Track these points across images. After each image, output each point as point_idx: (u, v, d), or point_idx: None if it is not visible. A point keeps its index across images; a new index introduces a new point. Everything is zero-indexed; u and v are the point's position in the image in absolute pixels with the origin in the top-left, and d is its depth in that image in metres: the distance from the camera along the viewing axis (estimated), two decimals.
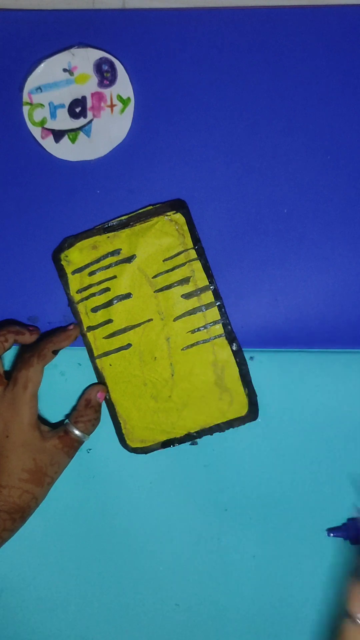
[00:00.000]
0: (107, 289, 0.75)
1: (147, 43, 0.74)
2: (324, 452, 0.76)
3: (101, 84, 0.74)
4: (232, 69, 0.74)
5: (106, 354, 0.75)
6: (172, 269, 0.74)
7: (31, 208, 0.75)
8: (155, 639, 0.77)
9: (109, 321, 0.75)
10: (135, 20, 0.74)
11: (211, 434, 0.76)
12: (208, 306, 0.75)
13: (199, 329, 0.75)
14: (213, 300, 0.75)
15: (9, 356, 0.76)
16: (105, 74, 0.74)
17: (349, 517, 0.76)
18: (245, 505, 0.77)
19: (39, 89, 0.74)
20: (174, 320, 0.75)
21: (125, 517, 0.77)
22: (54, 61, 0.73)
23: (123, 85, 0.74)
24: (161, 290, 0.75)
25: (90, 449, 0.77)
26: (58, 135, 0.74)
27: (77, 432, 0.73)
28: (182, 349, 0.75)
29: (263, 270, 0.75)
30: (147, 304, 0.75)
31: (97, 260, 0.75)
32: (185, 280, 0.74)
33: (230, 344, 0.75)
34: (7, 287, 0.76)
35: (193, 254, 0.74)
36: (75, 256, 0.75)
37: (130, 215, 0.74)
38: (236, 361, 0.75)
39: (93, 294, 0.75)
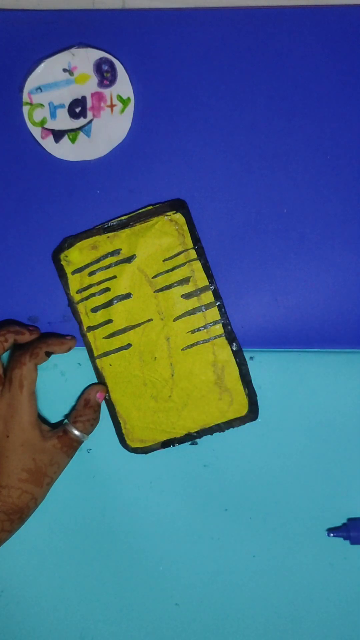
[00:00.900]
0: (107, 289, 0.75)
1: (147, 43, 0.74)
2: (324, 452, 0.76)
3: (101, 84, 0.74)
4: (232, 69, 0.74)
5: (106, 354, 0.75)
6: (172, 269, 0.74)
7: (31, 208, 0.75)
8: (155, 638, 0.77)
9: (109, 321, 0.75)
10: (135, 20, 0.74)
11: (211, 434, 0.76)
12: (208, 306, 0.75)
13: (199, 329, 0.75)
14: (213, 300, 0.75)
15: (8, 356, 0.76)
16: (105, 74, 0.74)
17: (349, 517, 0.76)
18: (245, 505, 0.77)
19: (39, 89, 0.74)
20: (174, 320, 0.75)
21: (125, 517, 0.77)
22: (54, 61, 0.73)
23: (123, 85, 0.74)
24: (161, 290, 0.75)
25: (90, 449, 0.77)
26: (58, 135, 0.74)
27: (76, 432, 0.73)
28: (182, 349, 0.75)
29: (263, 270, 0.75)
30: (147, 304, 0.75)
31: (97, 260, 0.75)
32: (185, 280, 0.74)
33: (230, 344, 0.75)
34: (7, 287, 0.76)
35: (193, 254, 0.74)
36: (75, 256, 0.75)
37: (130, 215, 0.74)
38: (236, 361, 0.75)
39: (93, 294, 0.75)
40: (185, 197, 0.75)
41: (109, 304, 0.75)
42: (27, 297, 0.76)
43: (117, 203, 0.75)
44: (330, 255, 0.75)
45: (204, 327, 0.75)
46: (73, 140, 0.74)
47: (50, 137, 0.74)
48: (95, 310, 0.75)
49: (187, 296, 0.75)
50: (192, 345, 0.75)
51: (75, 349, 0.75)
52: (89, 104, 0.74)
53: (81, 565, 0.76)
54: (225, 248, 0.75)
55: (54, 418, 0.77)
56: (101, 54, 0.73)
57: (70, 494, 0.76)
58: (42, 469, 0.72)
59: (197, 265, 0.74)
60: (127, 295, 0.75)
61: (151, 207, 0.74)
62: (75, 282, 0.75)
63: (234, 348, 0.75)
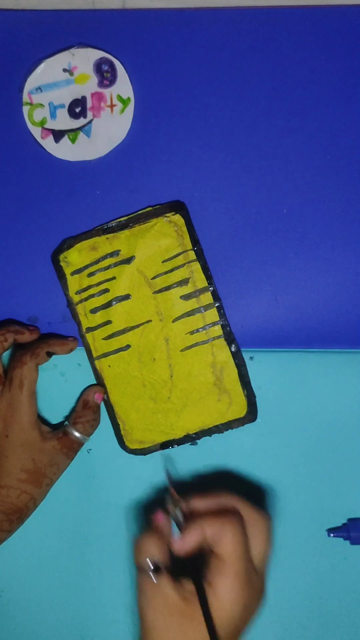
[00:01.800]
0: (106, 290, 0.75)
1: (147, 43, 0.74)
2: (323, 452, 0.76)
3: (101, 84, 0.74)
4: (232, 69, 0.74)
5: (105, 355, 0.75)
6: (171, 270, 0.74)
7: (31, 208, 0.75)
8: None
9: (108, 322, 0.75)
10: (135, 20, 0.74)
11: (210, 435, 0.76)
12: (207, 307, 0.75)
13: (197, 330, 0.75)
14: (212, 301, 0.75)
15: (8, 356, 0.76)
16: (105, 74, 0.73)
17: (349, 517, 0.76)
18: None
19: (39, 89, 0.74)
20: (173, 321, 0.75)
21: (125, 517, 0.77)
22: (54, 61, 0.73)
23: (123, 85, 0.74)
24: (160, 291, 0.75)
25: (90, 450, 0.77)
26: (58, 135, 0.74)
27: (76, 433, 0.73)
28: (181, 350, 0.75)
29: (263, 270, 0.75)
30: (146, 305, 0.75)
31: (96, 262, 0.75)
32: (184, 282, 0.74)
33: (229, 345, 0.75)
34: (7, 287, 0.76)
35: (192, 255, 0.74)
36: (74, 257, 0.75)
37: (129, 216, 0.74)
38: (235, 362, 0.75)
39: (92, 295, 0.75)
40: (184, 198, 0.75)
41: (108, 305, 0.75)
42: (27, 297, 0.76)
43: (117, 203, 0.75)
44: (330, 255, 0.75)
45: (203, 328, 0.75)
46: (73, 140, 0.74)
47: (50, 137, 0.74)
48: (94, 311, 0.75)
49: (186, 297, 0.75)
50: (191, 346, 0.75)
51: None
52: (89, 104, 0.74)
53: (81, 565, 0.76)
54: (224, 249, 0.75)
55: (53, 418, 0.77)
56: (101, 54, 0.73)
57: (70, 494, 0.76)
58: (42, 469, 0.72)
59: (196, 266, 0.74)
60: (126, 297, 0.75)
61: (150, 208, 0.74)
62: (74, 283, 0.75)
63: (233, 349, 0.75)
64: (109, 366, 0.75)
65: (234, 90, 0.74)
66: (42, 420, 0.76)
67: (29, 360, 0.71)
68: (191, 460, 0.76)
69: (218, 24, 0.74)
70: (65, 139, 0.74)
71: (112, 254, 0.75)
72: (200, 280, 0.74)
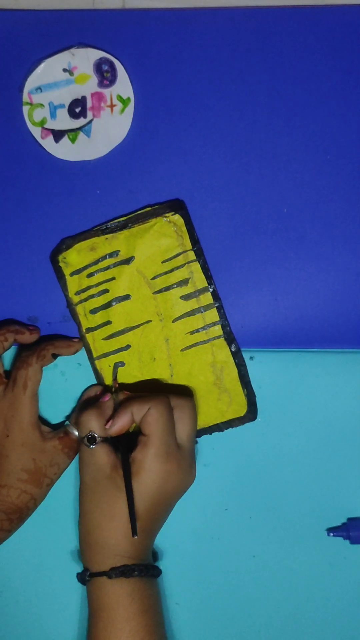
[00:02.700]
0: (106, 291, 0.75)
1: (147, 43, 0.74)
2: (323, 452, 0.76)
3: (101, 84, 0.74)
4: (232, 69, 0.74)
5: (105, 355, 0.75)
6: (171, 271, 0.74)
7: (31, 208, 0.75)
8: None
9: (108, 323, 0.75)
10: (135, 20, 0.74)
11: (210, 434, 0.76)
12: (207, 307, 0.75)
13: (197, 330, 0.75)
14: (212, 301, 0.75)
15: (9, 356, 0.76)
16: (105, 74, 0.74)
17: (349, 517, 0.76)
18: (245, 505, 0.77)
19: (39, 89, 0.74)
20: (173, 321, 0.75)
21: None
22: (54, 61, 0.73)
23: (123, 85, 0.74)
24: (160, 291, 0.75)
25: None
26: (58, 135, 0.74)
27: (75, 431, 0.73)
28: (181, 350, 0.75)
29: (263, 270, 0.75)
30: (146, 305, 0.75)
31: (96, 262, 0.75)
32: (184, 282, 0.74)
33: (229, 345, 0.75)
34: (7, 287, 0.76)
35: (192, 255, 0.74)
36: (74, 258, 0.75)
37: (128, 216, 0.74)
38: (235, 362, 0.75)
39: (92, 296, 0.75)
40: (184, 197, 0.75)
41: (107, 305, 0.75)
42: (27, 297, 0.76)
43: (117, 203, 0.75)
44: (330, 255, 0.75)
45: (203, 328, 0.75)
46: (73, 140, 0.74)
47: (50, 137, 0.74)
48: (94, 311, 0.75)
49: (186, 297, 0.75)
50: (191, 346, 0.75)
51: None
52: (88, 104, 0.74)
53: (81, 565, 0.76)
54: (224, 248, 0.75)
55: (54, 418, 0.77)
56: (101, 54, 0.73)
57: (70, 494, 0.76)
58: (42, 469, 0.72)
59: (196, 266, 0.74)
60: (126, 297, 0.75)
61: (149, 208, 0.74)
62: (73, 284, 0.75)
63: (233, 349, 0.75)
64: (109, 366, 0.75)
65: (234, 90, 0.74)
66: (42, 420, 0.76)
67: (34, 362, 0.71)
68: None
69: (218, 24, 0.74)
70: (65, 139, 0.74)
71: (111, 255, 0.75)
72: (200, 281, 0.74)
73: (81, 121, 0.74)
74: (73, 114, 0.74)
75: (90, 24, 0.74)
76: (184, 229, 0.74)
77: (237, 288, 0.75)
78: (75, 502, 0.74)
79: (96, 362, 0.76)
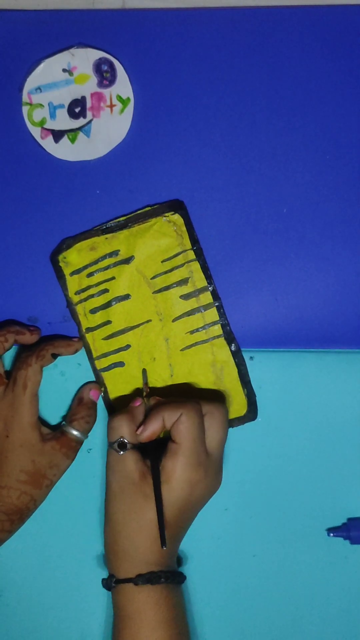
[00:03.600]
0: (106, 290, 0.75)
1: (147, 43, 0.74)
2: (323, 452, 0.76)
3: (101, 84, 0.74)
4: (232, 69, 0.74)
5: (105, 355, 0.75)
6: (171, 270, 0.75)
7: (30, 208, 0.75)
8: None
9: (108, 322, 0.75)
10: (135, 20, 0.74)
11: None
12: (207, 307, 0.75)
13: (197, 330, 0.75)
14: (212, 301, 0.75)
15: (10, 356, 0.76)
16: (104, 74, 0.74)
17: (349, 517, 0.76)
18: (245, 505, 0.77)
19: (39, 89, 0.74)
20: (173, 321, 0.75)
21: None
22: (54, 61, 0.73)
23: (122, 85, 0.74)
24: (160, 291, 0.75)
25: (90, 449, 0.77)
26: (57, 135, 0.74)
27: (73, 431, 0.73)
28: (181, 350, 0.75)
29: (263, 270, 0.75)
30: (146, 305, 0.75)
31: (96, 262, 0.75)
32: (183, 281, 0.74)
33: (229, 344, 0.75)
34: (7, 287, 0.76)
35: (191, 254, 0.74)
36: (74, 258, 0.75)
37: (128, 216, 0.74)
38: (235, 362, 0.75)
39: (92, 296, 0.75)
40: (184, 197, 0.75)
41: (107, 305, 0.75)
42: (27, 298, 0.76)
43: (117, 203, 0.75)
44: (330, 255, 0.75)
45: (203, 327, 0.75)
46: (73, 141, 0.74)
47: (50, 137, 0.74)
48: (94, 311, 0.75)
49: (185, 297, 0.75)
50: (191, 345, 0.75)
51: None
52: (88, 104, 0.74)
53: (81, 565, 0.76)
54: (224, 248, 0.75)
55: (53, 418, 0.77)
56: (101, 54, 0.73)
57: (70, 494, 0.76)
58: (41, 470, 0.72)
59: (196, 266, 0.74)
60: (126, 297, 0.75)
61: (149, 207, 0.74)
62: (73, 284, 0.75)
63: (233, 348, 0.75)
64: (109, 366, 0.76)
65: (233, 90, 0.74)
66: (43, 422, 0.76)
67: (34, 362, 0.71)
68: None
69: (218, 24, 0.74)
70: (65, 139, 0.74)
71: (111, 254, 0.75)
72: (200, 280, 0.75)
73: (81, 121, 0.74)
74: (73, 114, 0.74)
75: (90, 24, 0.74)
76: (184, 228, 0.74)
77: (237, 288, 0.75)
78: (75, 503, 0.74)
79: (96, 361, 0.76)
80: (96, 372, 0.76)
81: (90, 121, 0.74)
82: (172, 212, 0.74)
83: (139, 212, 0.74)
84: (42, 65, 0.73)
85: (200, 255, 0.74)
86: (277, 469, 0.76)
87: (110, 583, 0.70)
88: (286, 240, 0.75)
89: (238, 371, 0.75)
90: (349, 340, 0.75)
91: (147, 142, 0.75)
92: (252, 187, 0.75)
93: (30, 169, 0.75)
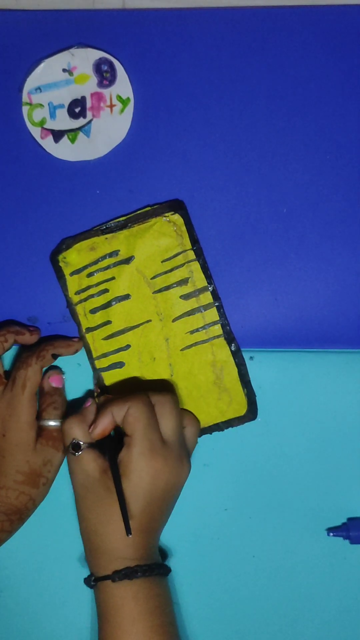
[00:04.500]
0: (106, 290, 0.75)
1: (147, 43, 0.74)
2: (323, 452, 0.76)
3: (101, 84, 0.74)
4: (232, 69, 0.74)
5: (105, 355, 0.75)
6: (171, 270, 0.75)
7: (30, 208, 0.75)
8: None
9: (108, 322, 0.75)
10: (135, 20, 0.74)
11: (210, 433, 0.76)
12: (207, 307, 0.75)
13: (197, 330, 0.75)
14: (212, 301, 0.75)
15: (9, 356, 0.76)
16: (104, 74, 0.74)
17: (348, 517, 0.76)
18: (245, 505, 0.77)
19: (39, 89, 0.74)
20: (173, 321, 0.75)
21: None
22: (54, 61, 0.73)
23: (122, 85, 0.74)
24: (160, 291, 0.75)
25: None
26: (57, 135, 0.74)
27: (47, 422, 0.73)
28: (181, 350, 0.75)
29: (262, 270, 0.75)
30: (146, 305, 0.75)
31: (96, 262, 0.75)
32: (183, 281, 0.75)
33: (229, 344, 0.75)
34: (7, 287, 0.76)
35: (191, 254, 0.74)
36: (73, 258, 0.75)
37: (128, 216, 0.75)
38: (235, 361, 0.75)
39: (91, 296, 0.75)
40: (184, 197, 0.75)
41: (107, 305, 0.75)
42: (27, 298, 0.76)
43: (117, 203, 0.75)
44: (330, 255, 0.75)
45: (203, 327, 0.75)
46: (73, 141, 0.74)
47: (50, 137, 0.74)
48: (94, 311, 0.75)
49: (185, 297, 0.75)
50: (191, 345, 0.75)
51: None
52: (88, 104, 0.74)
53: (79, 565, 0.76)
54: (224, 248, 0.75)
55: None
56: (101, 54, 0.73)
57: (70, 494, 0.75)
58: (37, 470, 0.72)
59: (196, 266, 0.74)
60: (126, 297, 0.75)
61: (149, 207, 0.74)
62: (73, 284, 0.75)
63: (233, 348, 0.75)
64: (109, 366, 0.76)
65: (233, 90, 0.74)
66: None
67: (34, 363, 0.72)
68: (192, 458, 0.76)
69: (218, 24, 0.74)
70: (65, 139, 0.74)
71: (111, 254, 0.75)
72: (200, 280, 0.75)
73: (81, 121, 0.74)
74: (73, 114, 0.74)
75: (90, 24, 0.74)
76: (184, 228, 0.74)
77: (237, 288, 0.75)
78: (74, 503, 0.74)
79: (96, 362, 0.76)
80: (96, 372, 0.76)
81: (90, 121, 0.74)
82: (172, 212, 0.74)
83: (139, 212, 0.74)
84: (42, 65, 0.73)
85: (200, 255, 0.75)
86: (277, 469, 0.76)
87: (90, 582, 0.70)
88: (286, 240, 0.75)
89: (238, 371, 0.75)
90: (349, 340, 0.75)
91: (147, 142, 0.75)
92: (252, 187, 0.75)
93: (30, 169, 0.75)
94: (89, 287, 0.75)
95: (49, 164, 0.75)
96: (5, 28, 0.75)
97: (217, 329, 0.75)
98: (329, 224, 0.75)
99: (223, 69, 0.74)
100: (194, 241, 0.74)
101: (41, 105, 0.74)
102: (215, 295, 0.75)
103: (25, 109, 0.74)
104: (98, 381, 0.76)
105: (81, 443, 0.70)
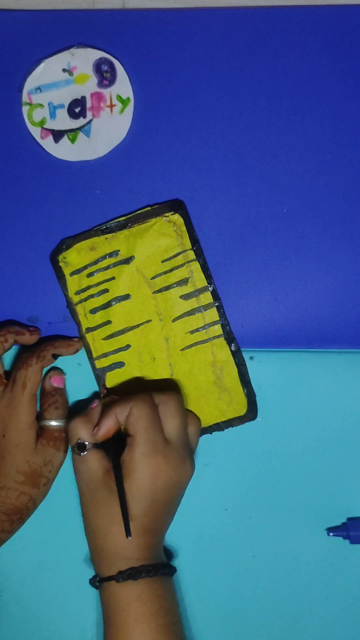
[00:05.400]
0: (106, 290, 0.75)
1: (147, 43, 0.74)
2: (323, 452, 0.76)
3: (101, 84, 0.74)
4: (232, 69, 0.74)
5: (105, 355, 0.75)
6: (171, 270, 0.75)
7: (30, 208, 0.75)
8: None
9: (108, 322, 0.75)
10: (135, 20, 0.74)
11: (210, 433, 0.76)
12: (207, 307, 0.75)
13: (197, 330, 0.75)
14: (212, 301, 0.75)
15: (9, 356, 0.76)
16: (104, 74, 0.74)
17: (348, 517, 0.76)
18: (245, 505, 0.77)
19: (39, 89, 0.74)
20: (173, 321, 0.75)
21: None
22: (54, 61, 0.73)
23: (122, 85, 0.74)
24: (160, 291, 0.75)
25: None
26: (57, 135, 0.74)
27: (48, 422, 0.73)
28: (181, 350, 0.75)
29: (263, 270, 0.75)
30: (146, 305, 0.75)
31: (96, 262, 0.75)
32: (184, 281, 0.75)
33: (229, 344, 0.75)
34: (7, 287, 0.76)
35: (191, 254, 0.74)
36: (74, 258, 0.75)
37: (128, 216, 0.75)
38: (235, 361, 0.75)
39: (92, 296, 0.75)
40: (184, 197, 0.75)
41: (107, 305, 0.75)
42: (27, 298, 0.76)
43: (117, 203, 0.75)
44: (330, 255, 0.75)
45: (203, 327, 0.75)
46: (73, 141, 0.74)
47: (50, 137, 0.74)
48: (94, 311, 0.75)
49: (185, 297, 0.75)
50: (191, 345, 0.75)
51: None
52: (88, 104, 0.74)
53: (80, 566, 0.76)
54: (224, 248, 0.75)
55: None
56: (101, 54, 0.73)
57: (70, 494, 0.75)
58: (37, 470, 0.72)
59: (196, 266, 0.74)
60: (126, 297, 0.75)
61: (149, 207, 0.74)
62: (73, 284, 0.75)
63: (233, 348, 0.75)
64: (109, 366, 0.76)
65: (233, 90, 0.74)
66: None
67: (34, 363, 0.72)
68: None
69: (218, 24, 0.74)
70: (65, 139, 0.74)
71: (111, 254, 0.75)
72: (200, 280, 0.75)
73: (81, 121, 0.74)
74: (73, 114, 0.74)
75: (90, 24, 0.74)
76: (184, 228, 0.74)
77: (237, 288, 0.75)
78: (75, 502, 0.74)
79: (96, 362, 0.76)
80: (96, 372, 0.76)
81: (90, 121, 0.74)
82: (172, 212, 0.74)
83: (139, 212, 0.74)
84: (42, 65, 0.73)
85: (200, 255, 0.75)
86: (277, 469, 0.76)
87: (95, 582, 0.70)
88: (286, 240, 0.75)
89: (238, 371, 0.75)
90: (349, 340, 0.75)
91: (147, 142, 0.75)
92: (252, 187, 0.75)
93: (30, 169, 0.75)
94: (89, 287, 0.75)
95: (49, 164, 0.75)
96: (5, 28, 0.75)
97: (217, 329, 0.75)
98: (329, 224, 0.75)
99: (223, 69, 0.74)
100: (194, 241, 0.74)
101: (41, 105, 0.74)
102: (215, 295, 0.75)
103: (25, 109, 0.74)
104: (103, 382, 0.76)
105: (86, 443, 0.70)
